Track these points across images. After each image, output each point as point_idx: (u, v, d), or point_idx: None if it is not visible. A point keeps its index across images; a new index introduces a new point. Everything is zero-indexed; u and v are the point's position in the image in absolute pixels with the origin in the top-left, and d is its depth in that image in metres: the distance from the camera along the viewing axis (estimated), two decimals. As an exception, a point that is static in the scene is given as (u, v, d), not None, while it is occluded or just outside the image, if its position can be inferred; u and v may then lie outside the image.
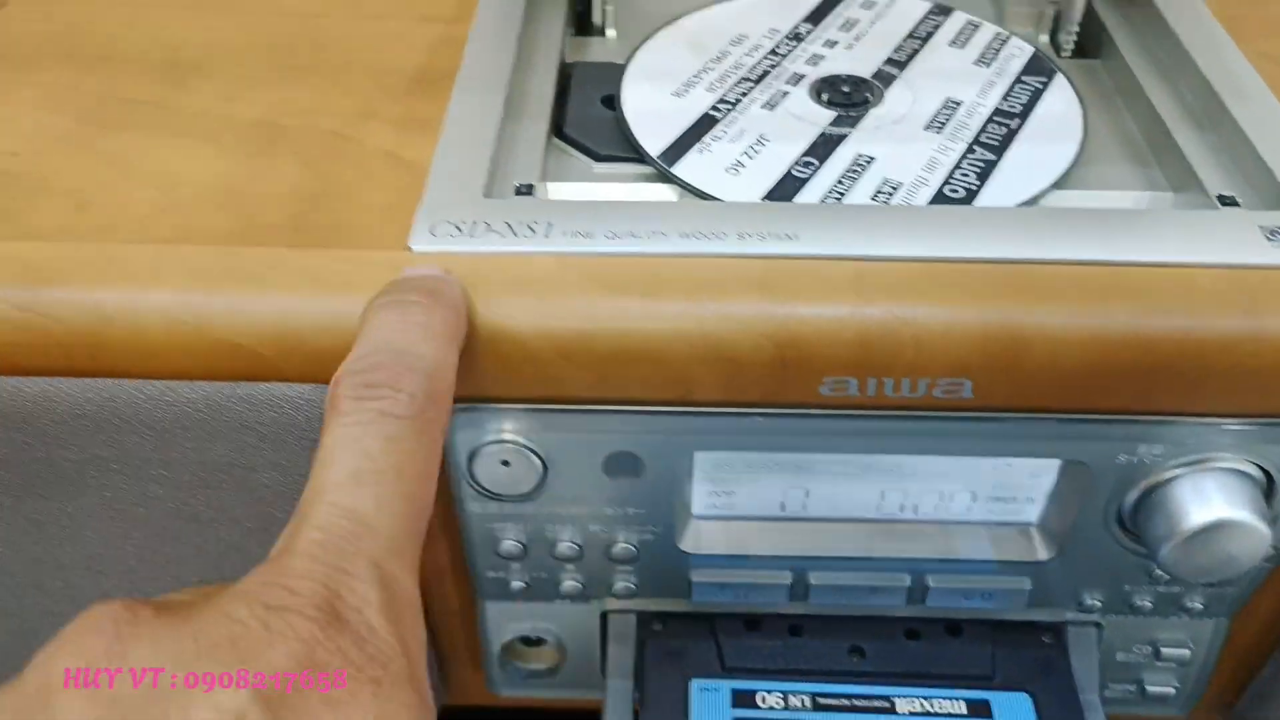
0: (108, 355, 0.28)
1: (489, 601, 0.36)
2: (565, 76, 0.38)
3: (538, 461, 0.30)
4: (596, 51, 0.41)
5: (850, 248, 0.28)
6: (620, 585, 0.35)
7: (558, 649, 0.38)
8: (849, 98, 0.36)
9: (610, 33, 0.42)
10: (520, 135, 0.34)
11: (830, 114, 0.36)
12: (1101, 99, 0.37)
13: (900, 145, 0.34)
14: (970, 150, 0.34)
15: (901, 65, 0.38)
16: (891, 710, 0.33)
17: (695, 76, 0.38)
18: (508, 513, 0.32)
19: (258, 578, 0.20)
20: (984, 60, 0.38)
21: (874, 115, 0.36)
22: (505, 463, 0.30)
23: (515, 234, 0.29)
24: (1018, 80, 0.37)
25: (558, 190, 0.34)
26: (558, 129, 0.36)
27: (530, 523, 0.32)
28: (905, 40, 0.39)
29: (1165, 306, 0.26)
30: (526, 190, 0.32)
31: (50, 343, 0.28)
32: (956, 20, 0.40)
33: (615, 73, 0.38)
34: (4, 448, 0.30)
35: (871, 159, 0.34)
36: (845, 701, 0.33)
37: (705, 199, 0.32)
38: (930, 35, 0.39)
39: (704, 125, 0.35)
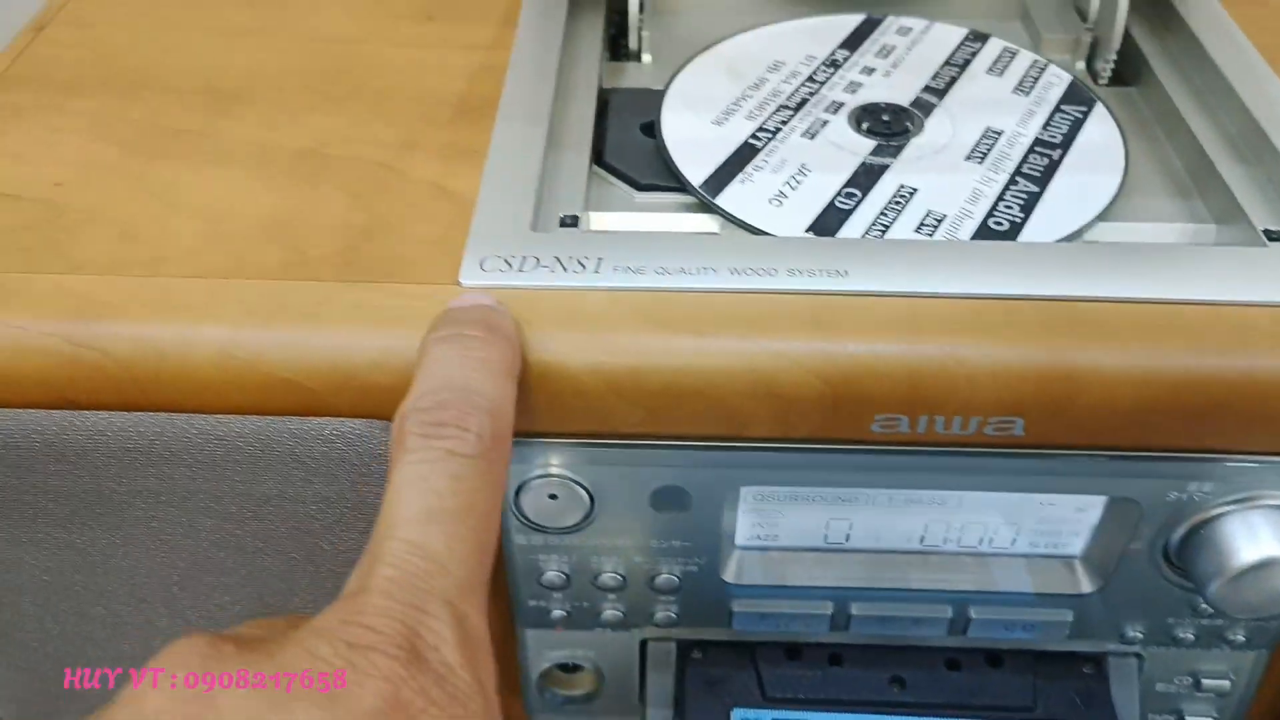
0: (160, 390, 0.28)
1: (529, 629, 0.36)
2: (603, 103, 0.38)
3: (585, 495, 0.30)
4: (632, 77, 0.41)
5: (901, 284, 0.28)
6: (661, 615, 0.35)
7: (595, 675, 0.38)
8: (889, 126, 0.36)
9: (646, 58, 0.42)
10: (563, 164, 0.34)
11: (870, 143, 0.36)
12: (1140, 128, 0.38)
13: (942, 176, 0.34)
14: (1013, 181, 0.34)
15: (940, 93, 0.38)
16: (934, 742, 0.33)
17: (734, 104, 0.38)
18: (552, 544, 0.32)
19: (335, 615, 0.20)
20: (1022, 88, 0.38)
21: (915, 145, 0.36)
22: (553, 496, 0.30)
23: (565, 269, 0.29)
24: (1057, 109, 0.37)
25: (600, 220, 0.34)
26: (598, 156, 0.36)
27: (574, 554, 0.32)
28: (943, 67, 0.39)
29: (1219, 346, 0.26)
30: (572, 221, 0.32)
31: (103, 377, 0.28)
32: (994, 47, 0.40)
33: (653, 99, 0.38)
34: (54, 480, 0.30)
35: (914, 190, 0.34)
36: (887, 732, 0.33)
37: (749, 230, 0.32)
38: (968, 62, 0.40)
39: (745, 154, 0.35)
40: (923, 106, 0.37)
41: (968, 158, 0.35)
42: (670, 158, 0.35)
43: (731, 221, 0.33)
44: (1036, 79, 0.39)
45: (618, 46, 0.42)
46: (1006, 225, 0.32)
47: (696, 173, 0.34)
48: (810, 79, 0.39)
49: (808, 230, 0.32)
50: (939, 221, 0.32)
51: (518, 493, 0.30)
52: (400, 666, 0.19)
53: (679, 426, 0.28)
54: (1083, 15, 0.42)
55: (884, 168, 0.35)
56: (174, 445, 0.29)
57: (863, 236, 0.32)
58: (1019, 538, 0.33)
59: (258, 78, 0.37)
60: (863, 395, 0.27)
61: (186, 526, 0.31)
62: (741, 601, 0.34)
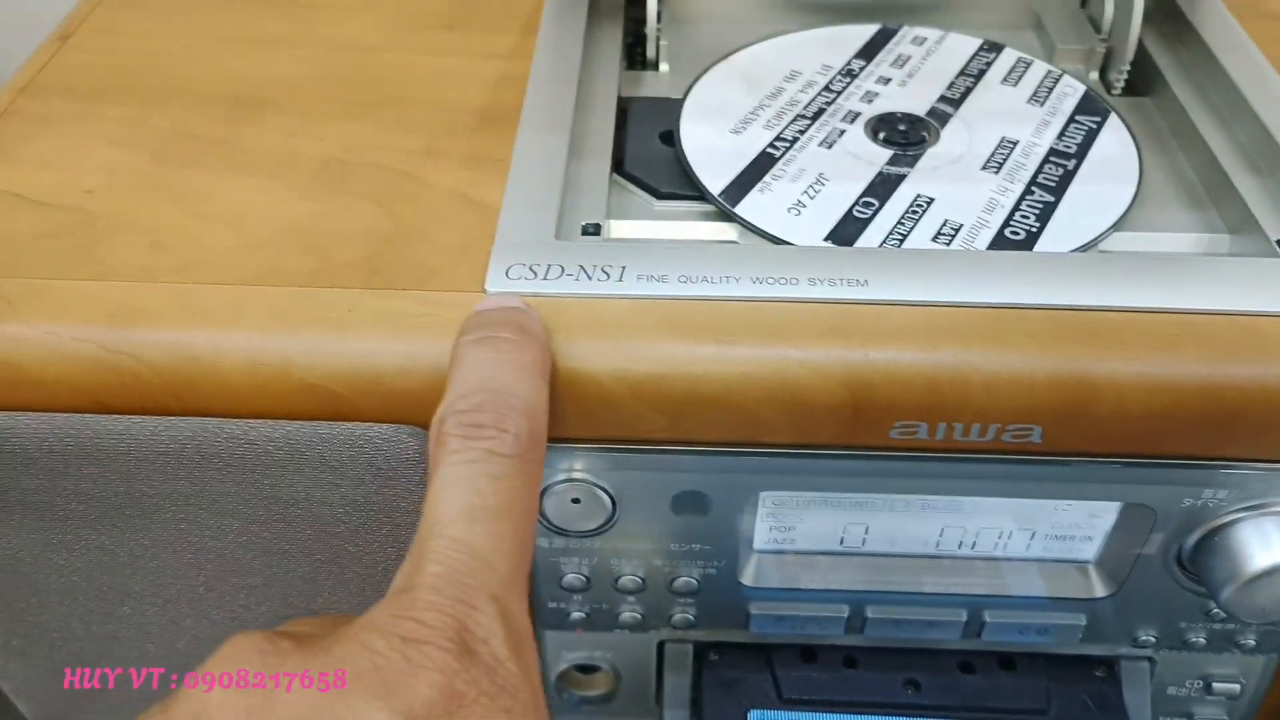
0: (192, 395, 0.28)
1: (547, 630, 0.36)
2: (621, 112, 0.39)
3: (607, 500, 0.31)
4: (650, 86, 0.42)
5: (920, 293, 0.28)
6: (679, 617, 0.35)
7: (613, 676, 0.38)
8: (906, 136, 0.37)
9: (663, 67, 0.42)
10: (584, 173, 0.35)
11: (887, 153, 0.36)
12: (1154, 138, 0.38)
13: (958, 186, 0.35)
14: (1029, 191, 0.34)
15: (955, 103, 0.38)
16: (949, 744, 0.34)
17: (752, 113, 0.38)
18: (574, 547, 0.33)
19: (386, 610, 0.20)
20: (1037, 99, 0.39)
21: (931, 154, 0.36)
22: (576, 500, 0.31)
23: (589, 276, 0.29)
24: (1072, 119, 0.38)
25: (621, 228, 0.34)
26: (617, 165, 0.36)
27: (595, 557, 0.33)
28: (958, 78, 0.40)
29: (1233, 355, 0.27)
30: (594, 230, 0.33)
31: (135, 382, 0.28)
32: (1008, 58, 0.41)
33: (671, 108, 0.38)
34: (85, 483, 0.30)
35: (931, 200, 0.34)
36: (902, 734, 0.34)
37: (769, 239, 0.33)
38: (982, 73, 0.40)
39: (763, 163, 0.36)
40: (938, 116, 0.38)
41: (983, 167, 0.35)
42: (689, 167, 0.35)
43: (751, 230, 0.33)
44: (1051, 89, 0.39)
45: (635, 55, 0.43)
46: (1023, 235, 0.33)
47: (716, 182, 0.35)
48: (827, 89, 0.39)
49: (826, 239, 0.33)
50: (956, 231, 0.33)
51: (541, 497, 0.31)
52: (453, 659, 0.19)
53: (701, 432, 0.29)
54: (1096, 26, 0.42)
55: (901, 177, 0.35)
56: (205, 449, 0.29)
57: (880, 246, 0.32)
58: (1033, 543, 0.34)
59: (282, 86, 0.38)
60: (882, 402, 0.28)
61: (214, 529, 0.32)
62: (759, 604, 0.34)
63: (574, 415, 0.28)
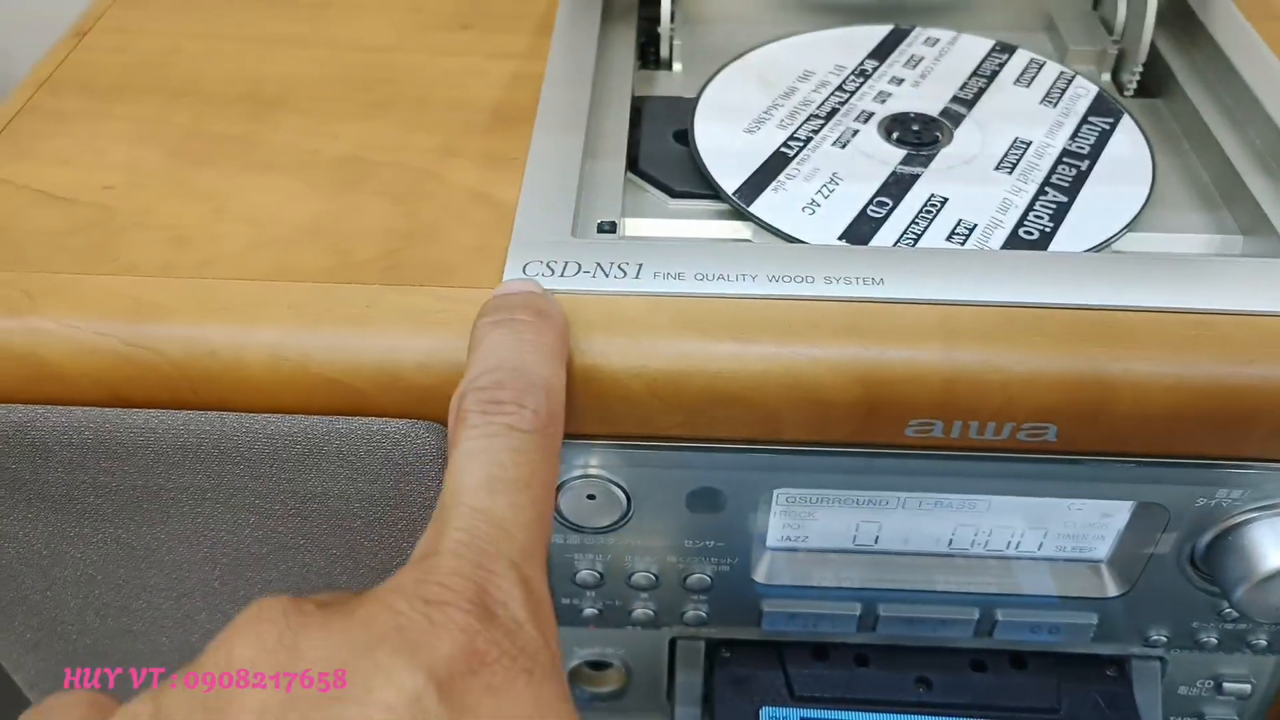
0: (211, 390, 0.29)
1: (560, 627, 0.37)
2: (635, 111, 0.39)
3: (623, 496, 0.31)
4: (663, 85, 0.42)
5: (936, 292, 0.29)
6: (691, 614, 0.35)
7: (624, 673, 0.39)
8: (919, 136, 0.37)
9: (677, 67, 0.43)
10: (599, 172, 0.35)
11: (900, 152, 0.36)
12: (1166, 139, 0.38)
13: (972, 186, 0.35)
14: (1042, 192, 0.34)
15: (968, 104, 0.39)
16: (960, 742, 0.34)
17: (765, 113, 0.38)
18: (588, 544, 0.33)
19: (409, 575, 0.21)
20: (1050, 100, 0.39)
21: (944, 155, 0.36)
22: (591, 496, 0.31)
23: (606, 274, 0.29)
24: (1084, 120, 0.38)
25: (636, 226, 0.35)
26: (632, 163, 0.37)
27: (609, 553, 0.33)
28: (970, 78, 0.40)
29: (1249, 355, 0.27)
30: (610, 228, 0.33)
31: (156, 376, 0.28)
32: (1021, 59, 0.41)
33: (685, 108, 0.39)
34: (104, 476, 0.30)
35: (945, 199, 0.34)
36: (914, 732, 0.34)
37: (783, 238, 0.33)
38: (995, 73, 0.40)
39: (777, 163, 0.36)
40: (952, 117, 0.38)
41: (997, 168, 0.36)
42: (704, 166, 0.35)
43: (765, 229, 0.33)
44: (1064, 90, 0.39)
45: (648, 55, 0.43)
46: (1036, 235, 0.33)
47: (730, 181, 0.35)
48: (840, 88, 0.39)
49: (840, 238, 0.33)
50: (970, 231, 0.33)
51: (557, 492, 0.31)
52: (474, 619, 0.20)
53: (716, 429, 0.29)
54: (1109, 28, 0.42)
55: (914, 177, 0.35)
56: (223, 443, 0.29)
57: (895, 245, 0.32)
58: (1046, 542, 0.34)
59: (298, 85, 0.38)
60: (898, 400, 0.28)
61: (231, 523, 0.32)
62: (771, 601, 0.35)
63: (591, 412, 0.29)
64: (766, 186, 0.35)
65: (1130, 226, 0.33)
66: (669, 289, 0.29)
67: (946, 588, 0.34)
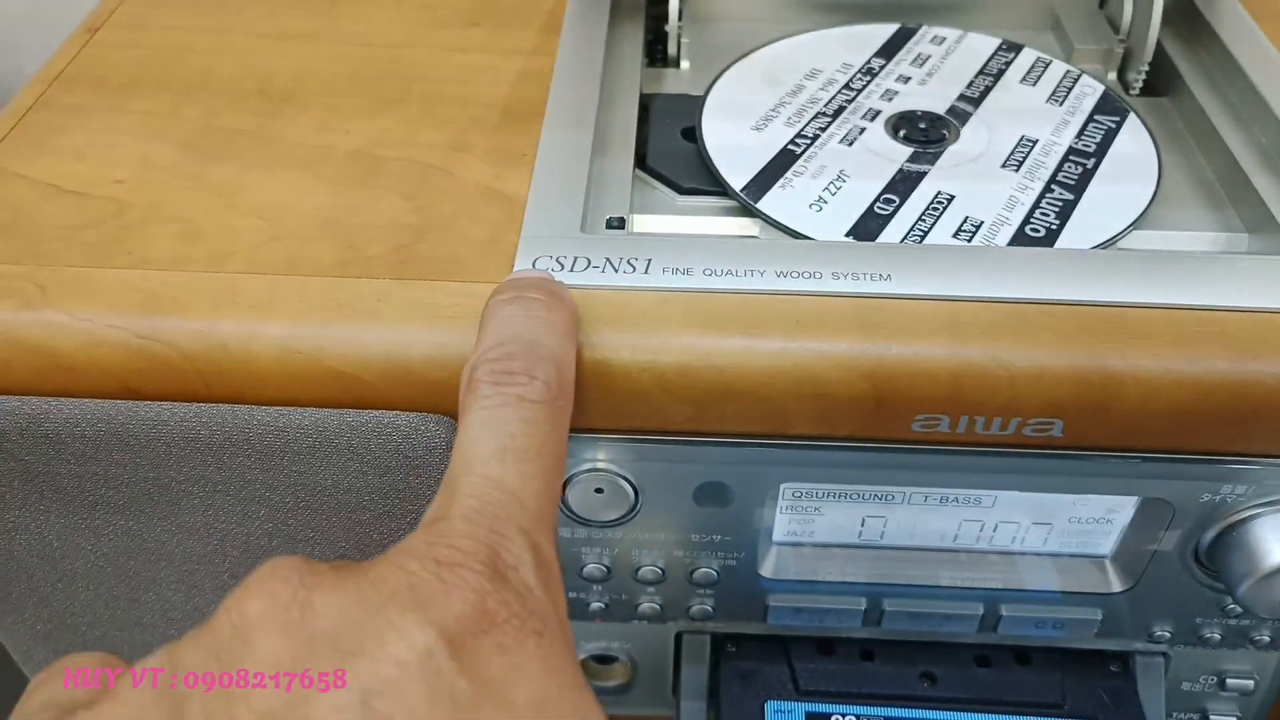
0: (223, 382, 0.29)
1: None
2: (643, 108, 0.39)
3: (630, 490, 0.31)
4: (671, 83, 0.42)
5: (944, 288, 0.29)
6: (697, 608, 0.36)
7: (630, 667, 0.39)
8: (926, 134, 0.37)
9: (684, 64, 0.43)
10: (607, 168, 0.35)
11: (907, 150, 0.37)
12: (1172, 138, 0.38)
13: (979, 183, 0.35)
14: (1048, 189, 0.35)
15: (975, 102, 0.39)
16: (965, 736, 0.34)
17: (773, 110, 0.38)
18: (595, 537, 0.33)
19: (421, 538, 0.21)
20: (1056, 98, 0.39)
21: (951, 152, 0.36)
22: (599, 490, 0.31)
23: (616, 269, 0.29)
24: (1090, 119, 0.38)
25: (644, 223, 0.35)
26: (640, 160, 0.37)
27: (616, 547, 0.33)
28: (977, 77, 0.40)
29: (1253, 352, 0.27)
30: (618, 224, 0.33)
31: (168, 369, 0.29)
32: (1027, 57, 0.41)
33: (693, 105, 0.39)
34: (115, 468, 0.31)
35: (952, 197, 0.34)
36: (919, 727, 0.34)
37: (791, 234, 0.33)
38: (1002, 72, 0.40)
39: (784, 160, 0.36)
40: (958, 115, 0.38)
41: (1003, 165, 0.36)
42: (712, 162, 0.36)
43: (773, 225, 0.34)
44: (1070, 89, 0.39)
45: (656, 53, 0.43)
46: (1043, 232, 0.33)
47: (738, 177, 0.35)
48: (847, 86, 0.40)
49: (847, 235, 0.33)
50: (976, 228, 0.33)
51: (564, 486, 0.31)
52: (486, 581, 0.20)
53: (725, 424, 0.29)
54: (1115, 27, 0.42)
55: (921, 174, 0.35)
56: (235, 436, 0.30)
57: (901, 241, 0.33)
58: (1050, 537, 0.34)
59: (308, 81, 0.38)
60: (905, 395, 0.28)
61: (241, 515, 0.32)
62: (777, 596, 0.35)
63: (601, 406, 0.29)
64: (774, 183, 0.35)
65: (1136, 224, 0.33)
66: (678, 284, 0.29)
67: (951, 583, 0.34)
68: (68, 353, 0.29)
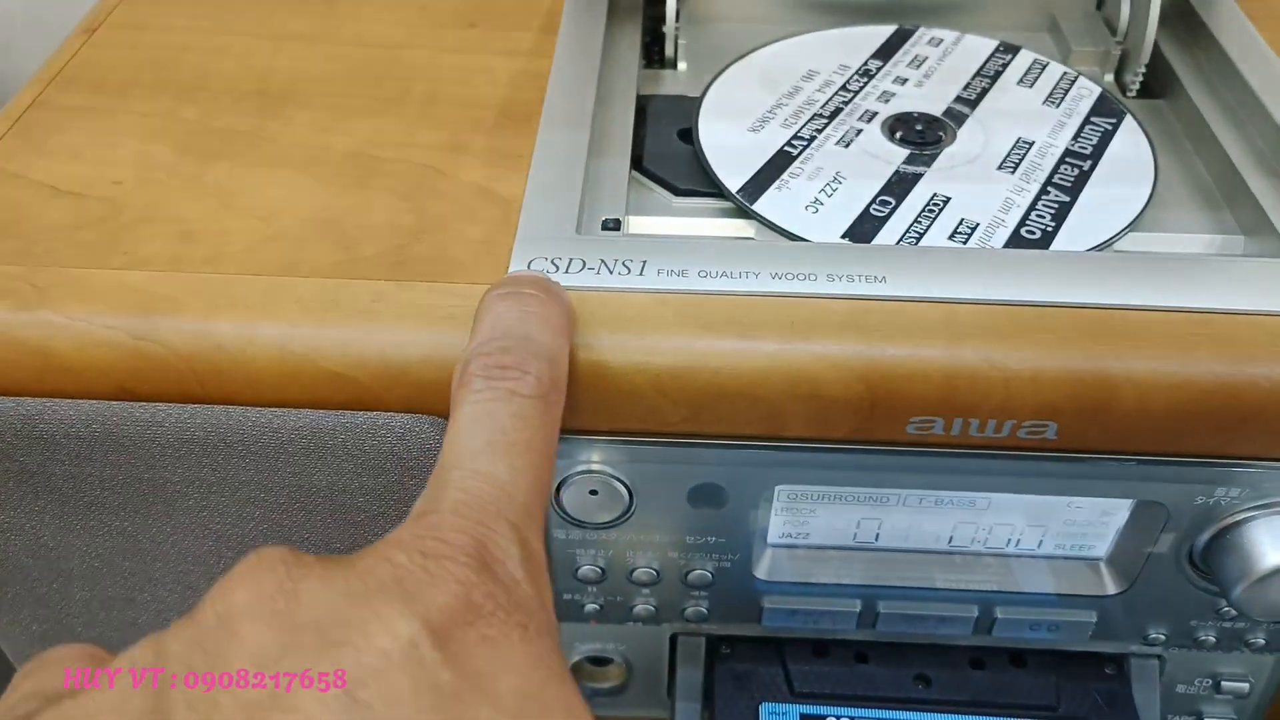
0: (218, 383, 0.29)
1: (561, 622, 0.37)
2: (640, 109, 0.39)
3: (625, 492, 0.31)
4: (668, 84, 0.42)
5: (939, 290, 0.29)
6: (692, 610, 0.36)
7: (625, 669, 0.39)
8: (922, 136, 0.37)
9: (681, 65, 0.43)
10: (603, 170, 0.35)
11: (904, 152, 0.37)
12: (1169, 140, 0.38)
13: (975, 185, 0.35)
14: (1044, 191, 0.35)
15: (972, 104, 0.39)
16: (959, 739, 0.34)
17: (769, 112, 0.38)
18: (590, 539, 0.33)
19: (409, 530, 0.21)
20: (1053, 100, 0.39)
21: (948, 154, 0.36)
22: (593, 492, 0.31)
23: (611, 271, 0.29)
24: (1087, 121, 0.38)
25: (640, 224, 0.35)
26: (636, 161, 0.37)
27: (611, 549, 0.33)
28: (974, 78, 0.40)
29: (1250, 354, 0.27)
30: (614, 225, 0.33)
31: (163, 370, 0.29)
32: (1024, 59, 0.41)
33: (690, 106, 0.39)
34: (110, 469, 0.31)
35: (948, 199, 0.34)
36: (914, 729, 0.34)
37: (786, 236, 0.33)
38: (999, 74, 0.40)
39: (781, 161, 0.36)
40: (955, 117, 0.38)
41: (1000, 167, 0.36)
42: (708, 164, 0.36)
43: (768, 227, 0.34)
44: (1067, 91, 0.39)
45: (653, 54, 0.43)
46: (1038, 234, 0.33)
47: (734, 179, 0.35)
48: (844, 88, 0.40)
49: (843, 237, 0.33)
50: (972, 230, 0.33)
51: (559, 488, 0.31)
52: (471, 573, 0.20)
53: (719, 425, 0.29)
54: (1112, 29, 0.42)
55: (917, 176, 0.35)
56: (230, 437, 0.30)
57: (898, 244, 0.33)
58: (1045, 540, 0.34)
59: (306, 81, 0.38)
60: (900, 397, 0.28)
61: (236, 516, 0.32)
62: (772, 598, 0.35)
63: (595, 407, 0.29)
64: (770, 185, 0.35)
65: (1132, 226, 0.33)
66: (673, 286, 0.29)
67: (946, 585, 0.34)
68: (63, 353, 0.29)
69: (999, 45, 0.42)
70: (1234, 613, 0.34)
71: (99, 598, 0.36)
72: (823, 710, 0.35)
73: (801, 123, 0.38)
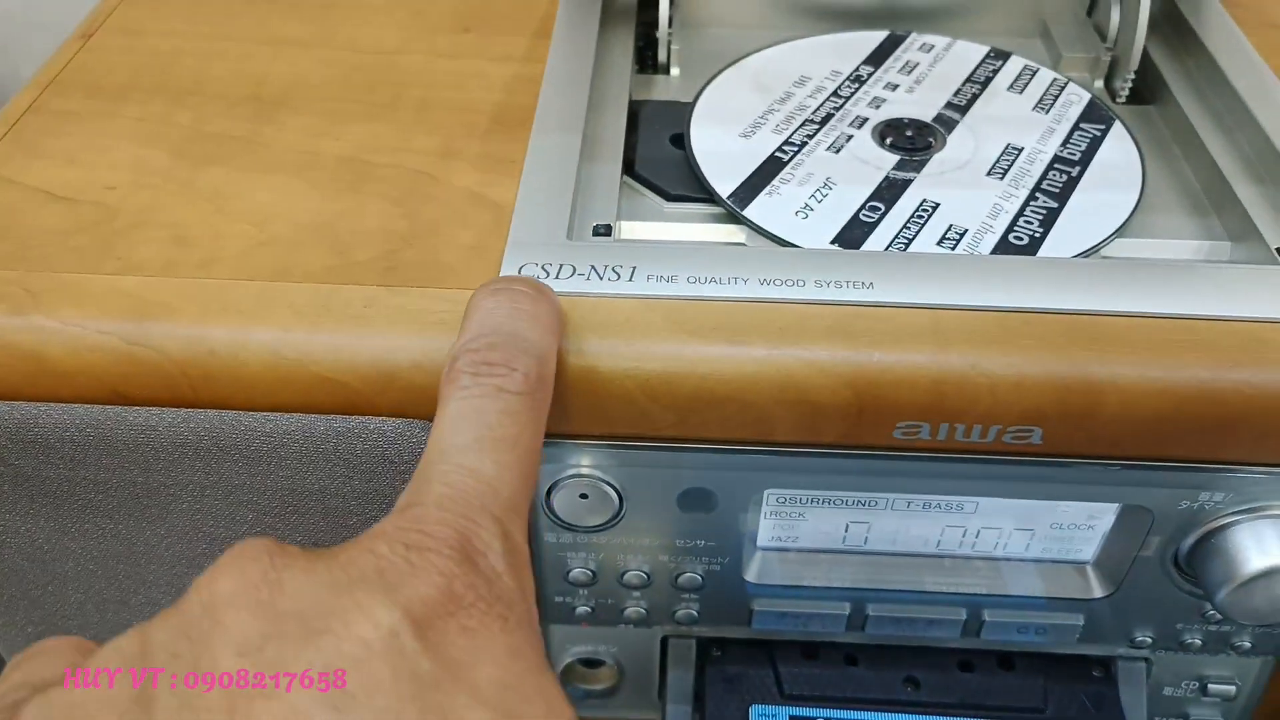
0: (210, 388, 0.29)
1: (553, 625, 0.37)
2: (632, 114, 0.39)
3: (615, 495, 0.31)
4: (660, 90, 0.42)
5: (925, 296, 0.29)
6: (682, 612, 0.36)
7: (617, 670, 0.39)
8: (912, 142, 0.37)
9: (674, 71, 0.43)
10: (595, 175, 0.36)
11: (894, 157, 0.37)
12: (1157, 146, 0.39)
13: (964, 191, 0.35)
14: (1033, 197, 0.35)
15: (962, 109, 0.39)
16: (947, 741, 0.34)
17: (761, 118, 0.39)
18: (580, 542, 0.33)
19: (393, 523, 0.21)
20: (1042, 106, 0.39)
21: (937, 160, 0.37)
22: (584, 496, 0.31)
23: (601, 276, 0.30)
24: (1076, 127, 0.38)
25: (631, 229, 0.35)
26: (628, 166, 0.37)
27: (601, 552, 0.34)
28: (964, 84, 0.40)
29: (1232, 360, 0.27)
30: (605, 230, 0.33)
31: (156, 374, 0.29)
32: (1014, 65, 0.41)
33: (682, 112, 0.39)
34: (104, 473, 0.31)
35: (937, 205, 0.35)
36: (902, 731, 0.34)
37: (776, 242, 0.33)
38: (989, 80, 0.41)
39: (771, 167, 0.36)
40: (945, 123, 0.38)
41: (989, 173, 0.36)
42: (699, 169, 0.36)
43: (759, 233, 0.34)
44: (1056, 97, 0.40)
45: (646, 59, 0.44)
46: (1026, 240, 0.33)
47: (725, 184, 0.35)
48: (835, 94, 0.40)
49: (832, 242, 0.33)
50: (960, 236, 0.33)
51: (549, 492, 0.31)
52: (453, 564, 0.20)
53: (708, 430, 0.29)
54: (1102, 35, 0.43)
55: (907, 182, 0.36)
56: (222, 441, 0.30)
57: (886, 249, 0.33)
58: (1032, 543, 0.34)
59: (300, 86, 0.38)
60: (887, 403, 0.28)
61: (228, 519, 0.32)
62: (762, 601, 0.35)
63: (584, 412, 0.29)
64: (761, 190, 0.35)
65: (1119, 232, 0.34)
66: (662, 291, 0.29)
67: (935, 588, 0.35)
68: (57, 358, 0.29)
69: (990, 51, 0.42)
70: (1219, 616, 0.34)
71: (93, 600, 0.36)
72: (812, 712, 0.35)
73: (793, 128, 0.38)
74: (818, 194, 0.35)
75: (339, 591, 0.19)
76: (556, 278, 0.30)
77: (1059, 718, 0.35)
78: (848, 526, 0.34)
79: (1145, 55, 0.41)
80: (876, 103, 0.39)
